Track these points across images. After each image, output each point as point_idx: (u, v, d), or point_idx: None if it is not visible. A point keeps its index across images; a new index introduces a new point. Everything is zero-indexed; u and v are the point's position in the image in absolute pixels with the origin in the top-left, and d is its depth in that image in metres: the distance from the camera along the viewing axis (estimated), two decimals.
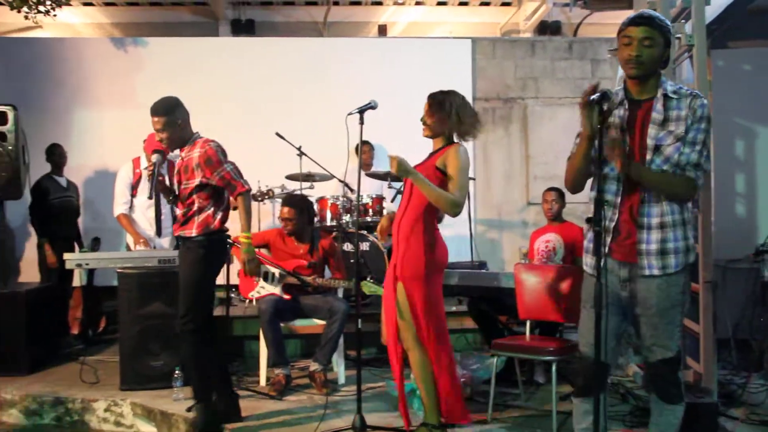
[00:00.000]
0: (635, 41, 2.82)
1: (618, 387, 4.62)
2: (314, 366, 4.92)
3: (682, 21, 4.50)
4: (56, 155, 6.54)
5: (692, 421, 2.93)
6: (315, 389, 4.85)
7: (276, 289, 5.13)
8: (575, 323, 4.38)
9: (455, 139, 3.90)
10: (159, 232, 5.80)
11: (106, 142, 7.90)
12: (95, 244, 6.44)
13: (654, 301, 2.88)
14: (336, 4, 9.71)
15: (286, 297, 5.11)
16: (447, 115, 3.83)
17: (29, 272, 7.04)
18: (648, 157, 2.86)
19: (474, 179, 7.44)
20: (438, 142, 3.92)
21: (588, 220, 2.87)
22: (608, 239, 2.93)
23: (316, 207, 6.00)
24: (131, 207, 5.77)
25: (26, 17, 7.18)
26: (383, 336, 4.07)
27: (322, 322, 5.03)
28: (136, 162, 5.79)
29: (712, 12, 5.36)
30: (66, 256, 5.07)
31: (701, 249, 4.14)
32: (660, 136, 2.85)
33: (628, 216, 2.90)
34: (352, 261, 5.94)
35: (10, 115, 5.58)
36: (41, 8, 7.14)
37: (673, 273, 2.86)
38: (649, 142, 2.86)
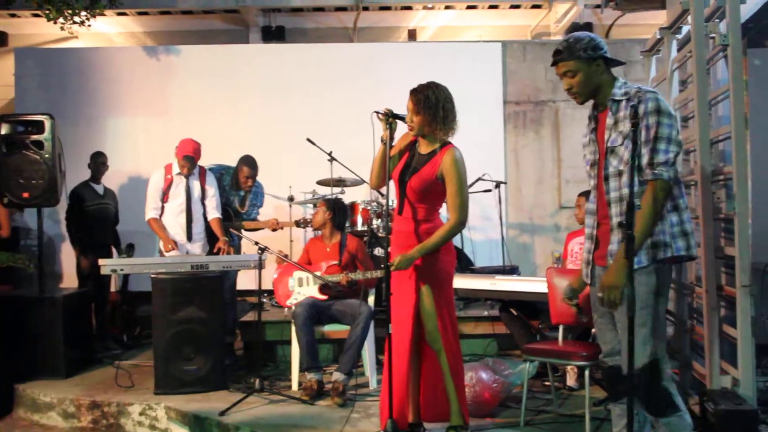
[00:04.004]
0: (561, 77, 3.06)
1: None
2: (336, 376, 4.80)
3: (716, 20, 4.42)
4: (95, 164, 6.73)
5: (731, 429, 2.84)
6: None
7: (312, 291, 5.15)
8: None
9: (443, 138, 3.72)
10: (190, 238, 5.85)
11: (139, 149, 8.06)
12: (130, 250, 6.54)
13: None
14: (366, 9, 9.71)
15: (323, 297, 5.13)
16: (435, 112, 3.63)
17: (71, 279, 7.14)
18: (605, 161, 2.95)
19: (505, 183, 7.39)
20: (426, 143, 3.77)
21: (620, 225, 2.85)
22: (592, 247, 3.05)
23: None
24: (163, 212, 5.83)
25: (62, 28, 7.31)
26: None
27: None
28: (168, 168, 5.85)
29: (747, 10, 5.26)
30: (101, 261, 5.13)
31: (737, 252, 4.07)
32: (611, 138, 2.92)
33: (603, 221, 2.99)
34: (382, 266, 5.94)
35: (47, 124, 5.69)
36: (76, 19, 7.27)
37: (638, 269, 2.76)
38: (605, 146, 2.96)
